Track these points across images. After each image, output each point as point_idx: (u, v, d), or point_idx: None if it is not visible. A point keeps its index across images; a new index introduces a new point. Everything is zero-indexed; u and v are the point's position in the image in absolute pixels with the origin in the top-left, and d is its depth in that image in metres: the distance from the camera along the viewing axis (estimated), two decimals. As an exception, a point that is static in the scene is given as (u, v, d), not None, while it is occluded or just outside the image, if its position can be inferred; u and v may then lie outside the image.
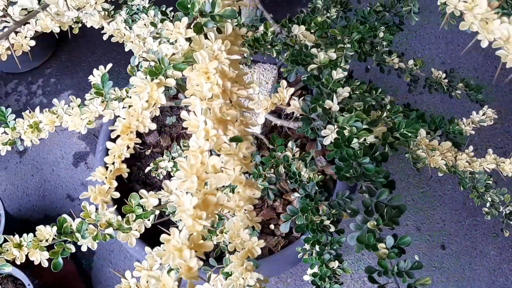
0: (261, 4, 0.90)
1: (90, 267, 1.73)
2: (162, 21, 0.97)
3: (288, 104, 0.79)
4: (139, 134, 1.46)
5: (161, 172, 1.03)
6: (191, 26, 0.61)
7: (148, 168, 1.05)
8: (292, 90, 0.79)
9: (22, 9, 0.65)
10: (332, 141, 0.72)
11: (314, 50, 0.79)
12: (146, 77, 0.66)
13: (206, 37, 0.60)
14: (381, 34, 1.00)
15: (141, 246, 1.21)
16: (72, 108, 0.85)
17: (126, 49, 0.87)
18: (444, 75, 1.18)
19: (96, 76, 0.87)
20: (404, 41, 2.01)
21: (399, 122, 0.75)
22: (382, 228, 0.66)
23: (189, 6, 0.61)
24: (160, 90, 0.65)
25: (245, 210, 0.63)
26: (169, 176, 1.03)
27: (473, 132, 1.09)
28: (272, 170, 1.00)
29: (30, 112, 0.89)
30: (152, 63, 0.68)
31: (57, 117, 0.86)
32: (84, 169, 1.89)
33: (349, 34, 0.99)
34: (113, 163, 0.68)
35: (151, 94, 0.64)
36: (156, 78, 0.65)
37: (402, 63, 1.18)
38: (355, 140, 0.72)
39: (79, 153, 1.92)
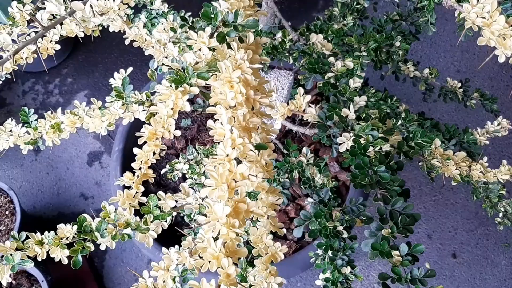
0: (279, 12, 0.91)
1: (102, 265, 1.75)
2: (181, 26, 0.99)
3: (305, 111, 0.80)
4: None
5: (176, 174, 1.05)
6: (214, 36, 0.63)
7: (164, 170, 1.07)
8: (308, 97, 0.80)
9: (50, 14, 0.67)
10: (348, 148, 0.73)
11: (331, 59, 0.80)
12: (171, 85, 0.68)
13: (228, 47, 0.62)
14: (398, 43, 1.01)
15: (154, 246, 1.23)
16: (93, 110, 0.87)
17: (146, 53, 0.89)
18: (459, 85, 1.19)
19: (117, 80, 0.88)
20: (419, 48, 2.02)
21: (414, 131, 0.76)
22: (396, 236, 0.67)
23: (212, 16, 0.62)
24: (184, 98, 0.67)
25: (268, 216, 0.64)
26: (184, 178, 1.05)
27: (487, 142, 1.09)
28: (286, 175, 1.01)
29: (52, 113, 0.92)
30: (177, 72, 0.69)
31: (78, 118, 0.88)
32: (98, 169, 1.92)
33: (365, 42, 1.00)
34: (139, 169, 0.70)
35: (176, 102, 0.66)
36: (181, 86, 0.67)
37: (418, 72, 1.18)
38: (370, 148, 0.73)
39: (94, 153, 1.95)
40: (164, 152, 1.44)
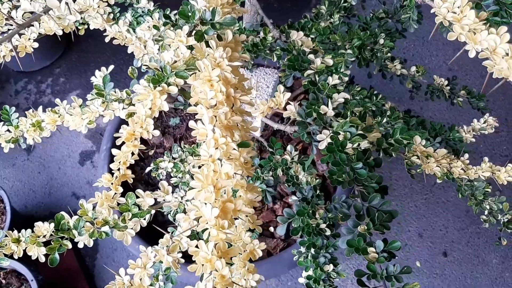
0: (261, 10, 0.91)
1: (93, 264, 1.75)
2: (165, 24, 0.98)
3: (285, 109, 0.80)
4: (142, 138, 1.48)
5: (161, 173, 1.05)
6: (192, 34, 0.62)
7: (148, 169, 1.07)
8: (288, 95, 0.80)
9: (25, 12, 0.67)
10: (326, 145, 0.73)
11: (311, 56, 0.80)
12: (149, 85, 0.68)
13: (207, 45, 0.61)
14: (381, 41, 1.01)
15: (142, 244, 1.22)
16: (74, 108, 0.87)
17: (129, 51, 0.89)
18: (446, 82, 1.18)
19: (98, 77, 0.88)
20: (412, 47, 2.01)
21: (394, 129, 0.76)
22: (372, 233, 0.66)
23: (189, 14, 0.62)
24: (163, 97, 0.66)
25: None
26: (169, 176, 1.04)
27: (473, 139, 1.09)
28: (271, 173, 1.01)
29: (33, 111, 0.91)
30: (155, 71, 0.69)
31: (59, 117, 0.88)
32: (90, 168, 1.91)
33: (349, 40, 1.00)
34: (118, 169, 0.70)
35: (154, 101, 0.66)
36: (159, 86, 0.67)
37: (404, 70, 1.18)
38: (349, 145, 0.73)
39: (86, 152, 1.95)
40: (152, 151, 1.44)
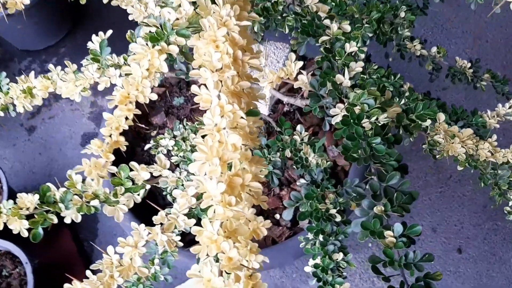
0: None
1: (92, 249, 1.69)
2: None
3: (296, 79, 0.73)
4: (144, 115, 1.42)
5: (161, 151, 0.98)
6: None
7: (147, 146, 1.00)
8: (300, 63, 0.73)
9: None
10: (341, 119, 0.65)
11: (327, 21, 0.73)
12: (146, 44, 0.61)
13: (213, 1, 0.55)
14: (402, 14, 0.93)
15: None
16: (67, 74, 0.81)
17: (130, 18, 0.82)
18: (469, 65, 1.10)
19: (95, 42, 0.82)
20: (430, 34, 1.93)
21: (416, 104, 0.68)
22: (390, 215, 0.59)
23: None
24: (161, 57, 0.60)
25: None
26: (170, 155, 0.98)
27: (497, 125, 1.01)
28: (278, 154, 0.94)
29: (24, 76, 0.85)
30: (153, 29, 0.63)
31: (51, 83, 0.82)
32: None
33: (368, 13, 0.93)
34: (110, 136, 0.63)
35: (152, 61, 0.60)
36: (158, 44, 0.61)
37: (424, 50, 1.10)
38: (365, 119, 0.65)
39: (88, 134, 1.89)
40: (155, 132, 1.37)
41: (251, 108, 0.55)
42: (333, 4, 0.90)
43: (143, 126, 1.35)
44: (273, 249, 1.10)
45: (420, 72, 1.14)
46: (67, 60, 0.81)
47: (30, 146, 1.90)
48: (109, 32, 0.82)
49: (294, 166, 0.93)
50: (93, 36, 0.82)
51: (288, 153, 0.92)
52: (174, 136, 1.00)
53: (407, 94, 1.01)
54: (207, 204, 0.49)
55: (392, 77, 1.00)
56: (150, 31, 0.59)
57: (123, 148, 0.59)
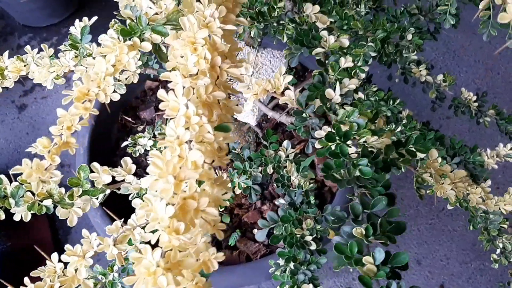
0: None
1: (66, 239, 1.64)
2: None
3: (283, 94, 0.67)
4: (133, 108, 1.36)
5: (138, 150, 0.92)
6: None
7: (125, 143, 0.94)
8: (289, 78, 0.67)
9: None
10: (325, 134, 0.59)
11: (324, 33, 0.67)
12: (118, 37, 0.56)
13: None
14: (410, 36, 0.87)
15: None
16: (43, 58, 0.75)
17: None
18: (474, 98, 1.05)
19: (77, 28, 0.76)
20: (441, 59, 1.87)
21: (408, 136, 0.62)
22: (372, 242, 0.52)
23: None
24: (131, 54, 0.55)
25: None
26: (146, 155, 0.92)
27: (496, 166, 0.95)
28: (260, 168, 0.88)
29: (-2, 55, 0.80)
30: (128, 21, 0.57)
31: (24, 66, 0.76)
32: (79, 138, 1.80)
33: (373, 31, 0.87)
34: (60, 135, 0.58)
35: (120, 57, 0.54)
36: (130, 39, 0.55)
37: (430, 77, 1.04)
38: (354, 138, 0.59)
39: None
40: (142, 127, 1.32)
41: (224, 121, 0.49)
42: (337, 16, 0.84)
43: (130, 119, 1.30)
44: (247, 267, 1.04)
45: (425, 97, 1.08)
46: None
47: (18, 124, 1.85)
48: (94, 18, 0.77)
49: (275, 184, 0.87)
50: (76, 21, 0.76)
51: (270, 169, 0.87)
52: (154, 136, 0.94)
53: (404, 121, 0.96)
54: (152, 228, 0.43)
55: (391, 101, 0.95)
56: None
57: (73, 151, 0.53)
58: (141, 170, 1.19)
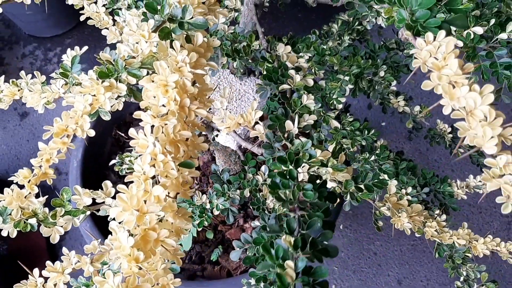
0: (256, 16, 0.84)
1: (60, 245, 1.69)
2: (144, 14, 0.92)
3: (253, 128, 0.73)
4: (126, 124, 1.42)
5: (125, 169, 0.98)
6: (157, 31, 0.55)
7: (112, 161, 1.00)
8: (260, 113, 0.72)
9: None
10: (277, 156, 0.64)
11: (292, 72, 0.72)
12: (96, 78, 0.61)
13: (171, 45, 0.55)
14: (382, 73, 0.92)
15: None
16: (35, 84, 0.81)
17: (103, 33, 0.82)
18: (449, 130, 1.10)
19: (69, 56, 0.82)
20: (416, 86, 1.91)
21: (365, 173, 0.68)
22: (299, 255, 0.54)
23: (159, 8, 0.55)
24: (107, 94, 0.60)
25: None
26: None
27: (465, 197, 1.00)
28: (238, 191, 0.93)
29: (-5, 79, 0.86)
30: (105, 63, 0.63)
31: (18, 90, 0.82)
32: (75, 145, 1.86)
33: (348, 65, 0.92)
34: (40, 166, 0.63)
35: (97, 97, 0.59)
36: (107, 81, 0.60)
37: (408, 108, 1.09)
38: (304, 166, 0.63)
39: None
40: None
41: (191, 157, 0.55)
42: (315, 51, 0.90)
43: (123, 135, 1.36)
44: (226, 282, 1.09)
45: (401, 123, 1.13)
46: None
47: (20, 131, 1.91)
48: (85, 48, 0.82)
49: (251, 207, 0.92)
50: (68, 50, 0.82)
51: (247, 192, 0.92)
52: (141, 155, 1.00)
53: (378, 151, 1.01)
54: (115, 255, 0.48)
55: (366, 131, 1.00)
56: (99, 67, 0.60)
57: (50, 182, 0.59)
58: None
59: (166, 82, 0.53)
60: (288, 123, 0.66)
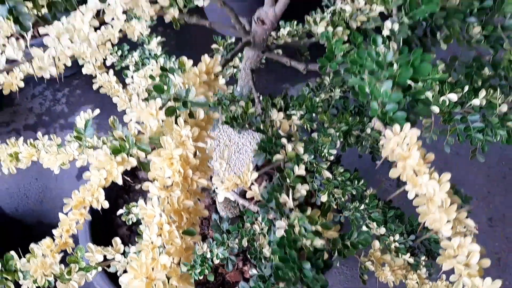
0: (252, 81, 0.92)
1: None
2: (161, 76, 1.00)
3: (250, 189, 0.80)
4: (132, 168, 1.50)
5: (131, 218, 1.05)
6: (164, 109, 0.63)
7: (120, 211, 1.07)
8: (256, 175, 0.80)
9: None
10: (277, 240, 0.72)
11: (284, 140, 0.80)
12: (110, 153, 0.68)
13: (176, 121, 0.62)
14: (369, 130, 1.00)
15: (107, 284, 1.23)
16: (51, 146, 0.89)
17: (114, 101, 0.90)
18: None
19: (82, 119, 0.90)
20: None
21: (351, 232, 0.75)
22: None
23: (165, 89, 0.63)
24: (120, 169, 0.67)
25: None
26: (139, 223, 1.05)
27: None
28: (237, 240, 1.00)
29: (14, 140, 0.93)
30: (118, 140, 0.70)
31: (36, 152, 0.90)
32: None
33: (338, 122, 1.00)
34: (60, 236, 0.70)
35: (111, 171, 0.66)
36: (119, 156, 0.67)
37: (396, 157, 1.17)
38: (302, 240, 0.71)
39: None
40: (139, 186, 1.45)
41: (193, 223, 0.62)
42: (307, 109, 0.98)
43: (129, 179, 1.43)
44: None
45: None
46: (79, 92, 0.89)
47: (28, 170, 1.97)
48: (96, 111, 0.90)
49: (248, 255, 0.99)
50: (82, 113, 0.89)
51: (245, 242, 0.99)
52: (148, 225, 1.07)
53: (367, 200, 1.08)
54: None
55: (356, 181, 1.07)
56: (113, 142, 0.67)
57: (69, 250, 0.66)
58: (133, 236, 1.31)
59: (171, 155, 0.60)
60: (284, 197, 0.74)
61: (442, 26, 0.67)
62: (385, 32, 0.62)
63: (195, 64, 0.65)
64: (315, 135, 1.00)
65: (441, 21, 0.66)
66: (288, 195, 0.76)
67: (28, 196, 1.94)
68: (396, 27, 0.62)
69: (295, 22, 1.06)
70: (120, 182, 0.65)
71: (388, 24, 0.62)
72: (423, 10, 0.62)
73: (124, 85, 0.95)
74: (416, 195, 0.51)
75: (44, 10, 0.64)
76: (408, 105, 0.61)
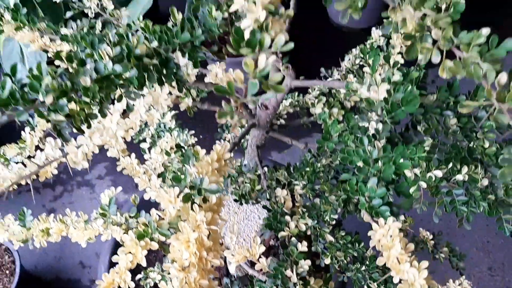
0: (257, 157, 1.02)
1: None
2: (175, 152, 1.10)
3: (258, 261, 0.89)
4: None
5: (149, 283, 1.14)
6: (180, 196, 0.73)
7: (138, 276, 1.16)
8: (263, 248, 0.89)
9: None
10: None
11: (287, 218, 0.89)
12: (135, 238, 0.77)
13: (192, 207, 0.71)
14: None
15: None
16: (79, 222, 0.98)
17: (135, 181, 1.01)
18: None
19: (106, 197, 1.00)
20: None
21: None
22: None
23: (182, 178, 0.73)
24: (143, 252, 0.76)
25: None
26: (155, 287, 1.14)
27: (446, 300, 1.14)
28: (248, 302, 1.08)
29: (45, 216, 1.03)
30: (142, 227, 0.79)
31: (65, 227, 1.00)
32: (100, 242, 2.02)
33: (337, 190, 1.09)
34: None
35: (136, 254, 0.76)
36: (143, 240, 0.77)
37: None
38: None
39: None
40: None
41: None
42: (308, 180, 1.07)
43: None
44: None
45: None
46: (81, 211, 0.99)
47: (47, 227, 2.08)
48: (119, 189, 1.00)
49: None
50: (106, 190, 0.99)
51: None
52: (162, 270, 1.16)
53: (367, 262, 1.16)
54: None
55: (357, 244, 1.16)
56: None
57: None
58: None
59: (188, 239, 0.69)
60: (288, 272, 0.83)
61: (421, 120, 0.77)
62: (371, 131, 0.72)
63: (206, 139, 0.75)
64: (317, 200, 1.09)
65: (420, 117, 0.77)
66: (292, 271, 0.85)
67: (47, 253, 2.03)
68: (380, 126, 0.72)
69: (296, 94, 1.17)
70: (144, 264, 0.74)
71: (373, 124, 0.72)
72: (403, 111, 0.72)
73: (141, 159, 1.06)
74: (400, 281, 0.60)
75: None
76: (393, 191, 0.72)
